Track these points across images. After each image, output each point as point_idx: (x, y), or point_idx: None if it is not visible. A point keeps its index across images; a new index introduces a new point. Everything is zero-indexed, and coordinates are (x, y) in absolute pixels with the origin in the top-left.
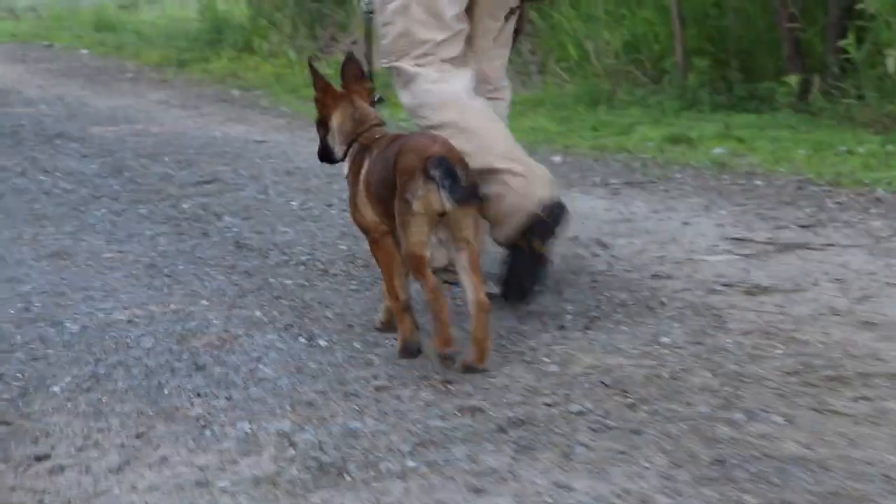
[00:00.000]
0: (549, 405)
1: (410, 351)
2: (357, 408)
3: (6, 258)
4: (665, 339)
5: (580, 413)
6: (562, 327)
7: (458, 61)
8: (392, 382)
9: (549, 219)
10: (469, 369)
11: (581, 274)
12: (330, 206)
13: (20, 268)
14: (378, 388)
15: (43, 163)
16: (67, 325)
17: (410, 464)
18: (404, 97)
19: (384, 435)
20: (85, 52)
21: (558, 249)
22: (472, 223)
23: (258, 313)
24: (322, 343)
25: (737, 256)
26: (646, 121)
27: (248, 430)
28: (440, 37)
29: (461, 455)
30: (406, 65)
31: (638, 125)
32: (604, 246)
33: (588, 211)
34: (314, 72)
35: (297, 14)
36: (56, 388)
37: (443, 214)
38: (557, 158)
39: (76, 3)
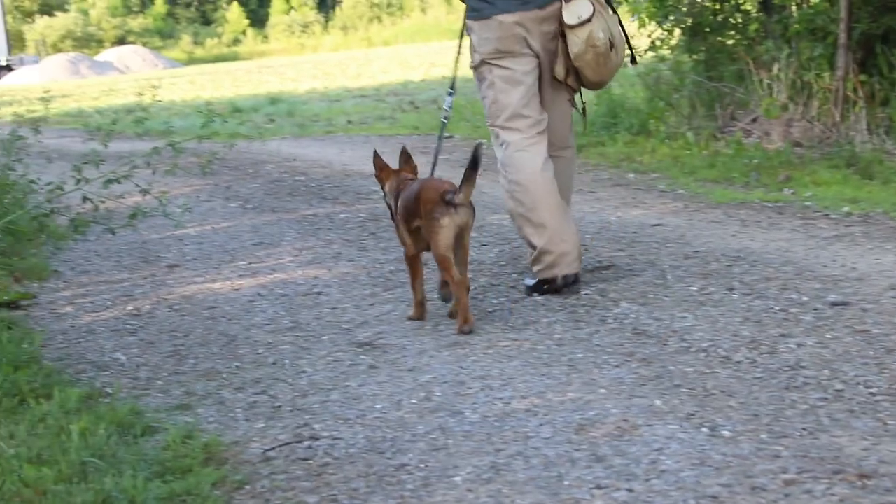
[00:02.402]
0: None
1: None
2: (765, 503)
3: (409, 348)
4: None
5: None
6: None
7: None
8: (802, 476)
9: (559, 284)
10: (461, 333)
11: None
12: (731, 290)
13: (422, 358)
14: (787, 482)
15: None
16: (467, 414)
17: None
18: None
19: None
20: (483, 141)
21: None
22: (469, 234)
23: (658, 402)
24: (726, 433)
25: None
26: None
27: None
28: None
29: None
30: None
31: None
32: None
33: None
34: (376, 157)
35: (695, 94)
36: (457, 479)
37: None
38: None
39: (475, 94)
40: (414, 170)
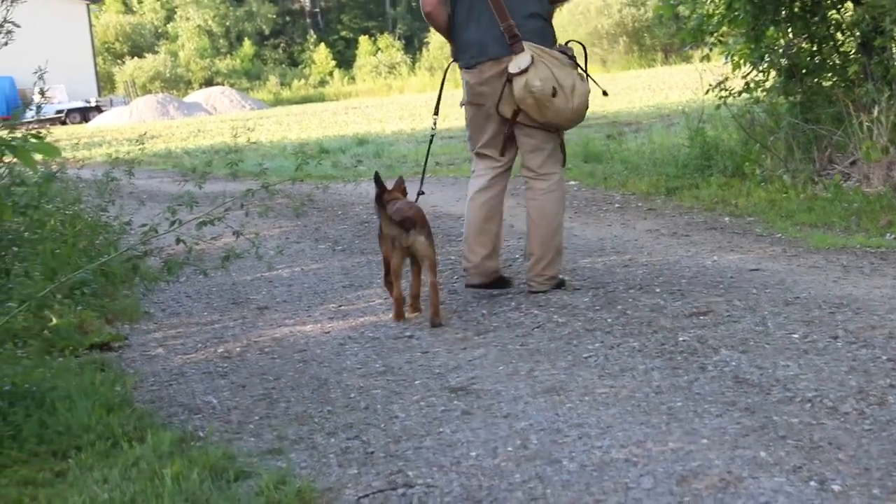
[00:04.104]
0: None
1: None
2: None
3: (503, 394)
4: None
5: None
6: None
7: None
8: None
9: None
10: (435, 325)
11: None
12: (836, 338)
13: (517, 404)
14: None
15: (537, 297)
16: (565, 463)
17: None
18: None
19: None
20: (574, 183)
21: None
22: (426, 249)
23: (763, 454)
24: (835, 488)
25: None
26: None
27: None
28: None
29: None
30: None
31: None
32: None
33: None
34: (377, 179)
35: (791, 137)
36: None
37: (408, 247)
38: None
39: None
40: (404, 191)
